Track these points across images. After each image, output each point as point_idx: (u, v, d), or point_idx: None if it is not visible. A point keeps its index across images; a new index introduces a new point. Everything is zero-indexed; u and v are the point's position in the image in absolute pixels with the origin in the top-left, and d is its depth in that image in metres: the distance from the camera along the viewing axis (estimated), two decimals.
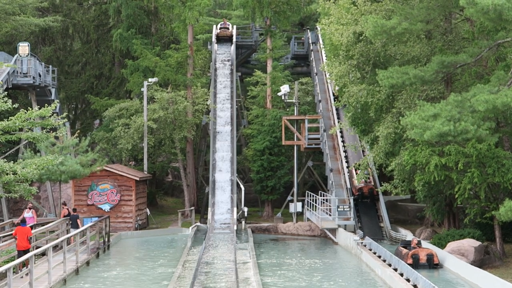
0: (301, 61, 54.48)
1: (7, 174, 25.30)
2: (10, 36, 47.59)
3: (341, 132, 40.20)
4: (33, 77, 39.08)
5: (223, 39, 50.27)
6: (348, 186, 36.31)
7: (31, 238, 23.14)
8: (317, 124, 42.31)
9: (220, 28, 50.96)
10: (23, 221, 23.20)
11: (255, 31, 52.70)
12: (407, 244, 27.21)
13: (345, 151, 39.11)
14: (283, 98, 41.71)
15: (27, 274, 19.87)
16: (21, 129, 30.09)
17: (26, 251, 21.78)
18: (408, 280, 21.41)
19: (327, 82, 45.01)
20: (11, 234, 25.31)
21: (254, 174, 43.72)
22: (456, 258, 24.66)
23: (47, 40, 54.08)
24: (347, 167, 37.82)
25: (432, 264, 25.15)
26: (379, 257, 26.19)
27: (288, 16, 46.24)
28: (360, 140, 36.89)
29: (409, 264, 23.87)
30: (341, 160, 38.46)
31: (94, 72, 53.14)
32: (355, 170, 36.52)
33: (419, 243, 26.39)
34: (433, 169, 25.04)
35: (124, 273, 25.10)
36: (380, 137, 28.81)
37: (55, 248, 24.49)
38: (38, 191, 33.11)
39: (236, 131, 44.75)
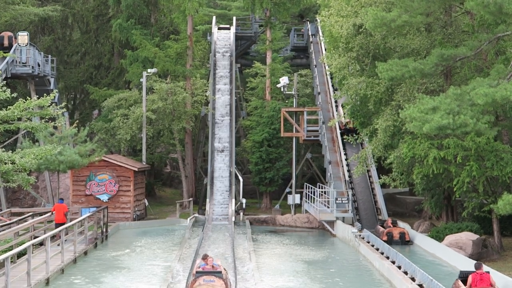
0: (301, 53, 54.35)
1: (5, 163, 25.31)
2: (9, 26, 47.39)
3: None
4: (32, 67, 38.98)
5: None
6: (347, 178, 36.31)
7: (67, 213, 27.66)
8: (316, 116, 42.26)
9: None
10: (61, 199, 28.67)
11: (255, 22, 52.56)
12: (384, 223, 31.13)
13: (343, 143, 39.06)
14: (282, 89, 41.64)
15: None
16: (19, 119, 30.06)
17: (62, 224, 25.74)
18: (406, 272, 21.43)
19: (326, 74, 44.92)
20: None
21: (252, 166, 43.69)
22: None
23: (47, 29, 53.94)
24: (336, 106, 38.96)
25: (404, 241, 28.86)
26: (377, 249, 26.24)
27: (288, 7, 46.11)
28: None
29: (384, 241, 26.98)
30: (340, 153, 38.43)
31: (93, 62, 53.02)
32: (342, 106, 38.05)
33: (394, 223, 30.25)
34: (432, 162, 25.02)
35: (122, 264, 25.12)
36: (379, 130, 28.73)
37: (53, 238, 24.50)
38: (36, 180, 33.08)
39: (235, 122, 44.74)
